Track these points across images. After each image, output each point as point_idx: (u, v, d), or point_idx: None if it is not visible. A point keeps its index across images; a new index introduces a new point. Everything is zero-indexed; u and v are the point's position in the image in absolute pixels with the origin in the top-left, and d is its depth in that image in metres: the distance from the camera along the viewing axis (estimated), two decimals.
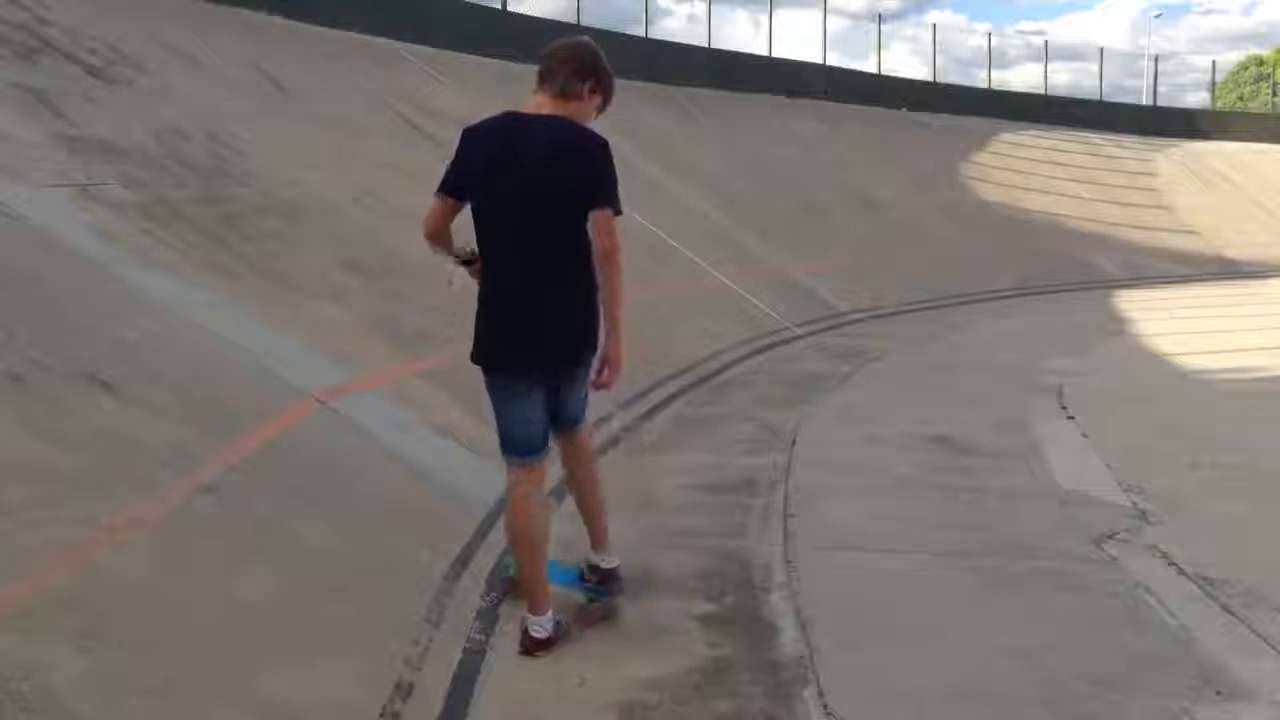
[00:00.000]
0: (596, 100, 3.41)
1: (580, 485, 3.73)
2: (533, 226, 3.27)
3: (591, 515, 3.73)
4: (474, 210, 3.34)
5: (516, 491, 3.43)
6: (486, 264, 3.35)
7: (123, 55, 7.40)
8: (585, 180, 3.29)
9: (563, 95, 3.34)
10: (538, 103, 3.37)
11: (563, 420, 3.53)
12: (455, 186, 3.33)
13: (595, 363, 3.43)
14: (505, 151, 3.28)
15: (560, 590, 3.62)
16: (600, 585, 3.75)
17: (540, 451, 3.43)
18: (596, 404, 6.69)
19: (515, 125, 3.34)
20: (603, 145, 3.33)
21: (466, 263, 3.43)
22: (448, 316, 6.45)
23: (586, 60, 3.38)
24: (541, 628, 3.40)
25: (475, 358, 3.39)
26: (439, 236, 3.40)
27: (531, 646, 3.38)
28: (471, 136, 3.35)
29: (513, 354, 3.34)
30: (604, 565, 3.76)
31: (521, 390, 3.37)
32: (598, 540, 3.76)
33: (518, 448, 3.41)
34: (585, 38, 3.51)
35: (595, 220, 3.28)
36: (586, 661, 3.35)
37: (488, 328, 3.35)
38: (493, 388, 3.40)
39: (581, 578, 3.79)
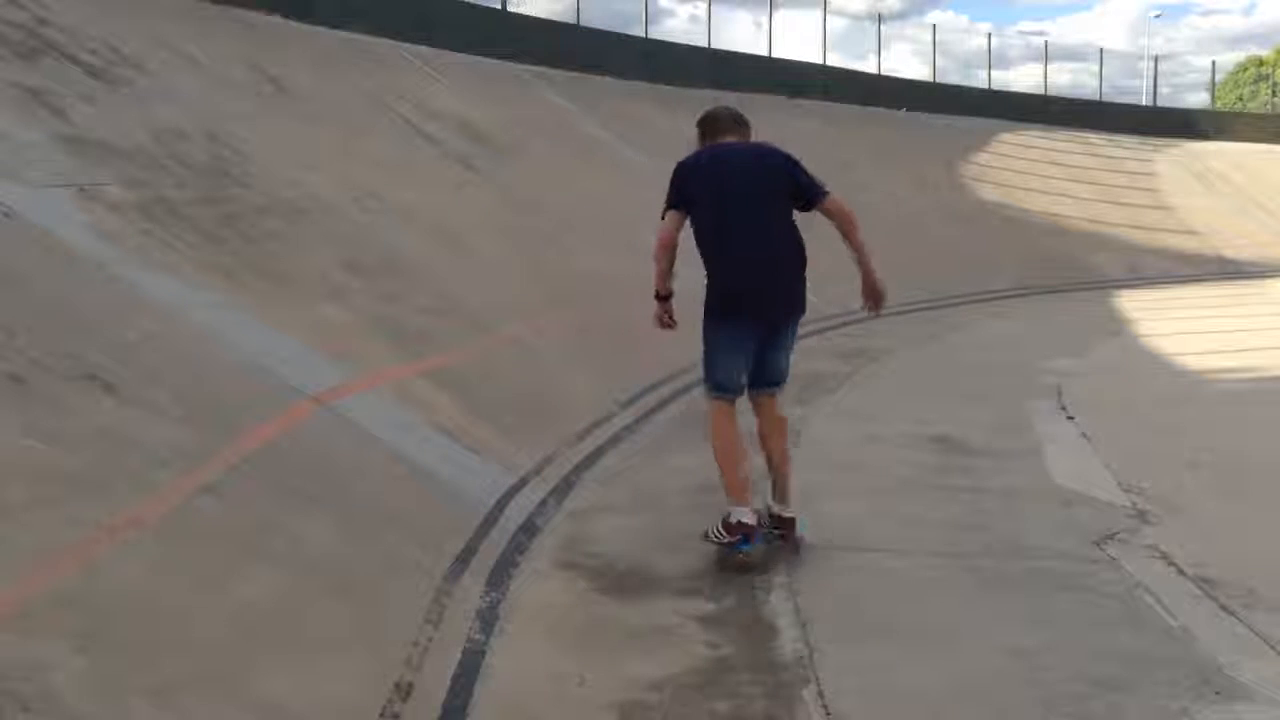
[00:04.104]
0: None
1: (766, 440, 4.45)
2: (748, 212, 4.37)
3: (778, 470, 4.43)
4: (697, 214, 4.37)
5: (719, 417, 4.30)
6: (720, 246, 4.31)
7: (123, 55, 7.39)
8: (787, 179, 4.49)
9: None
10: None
11: (766, 379, 4.42)
12: (677, 202, 4.43)
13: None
14: (717, 165, 4.49)
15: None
16: (776, 530, 4.35)
17: (738, 392, 4.39)
18: (599, 402, 6.74)
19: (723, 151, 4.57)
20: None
21: (665, 298, 4.51)
22: (447, 316, 6.47)
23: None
24: (749, 515, 4.12)
25: (713, 312, 4.31)
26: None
27: (742, 531, 4.07)
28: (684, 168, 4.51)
29: (747, 307, 4.28)
30: (784, 514, 4.40)
31: (742, 337, 4.27)
32: (780, 491, 4.43)
33: (722, 387, 4.32)
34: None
35: (826, 204, 4.48)
36: (586, 661, 3.36)
37: (724, 289, 4.28)
38: (717, 336, 4.29)
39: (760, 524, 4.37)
